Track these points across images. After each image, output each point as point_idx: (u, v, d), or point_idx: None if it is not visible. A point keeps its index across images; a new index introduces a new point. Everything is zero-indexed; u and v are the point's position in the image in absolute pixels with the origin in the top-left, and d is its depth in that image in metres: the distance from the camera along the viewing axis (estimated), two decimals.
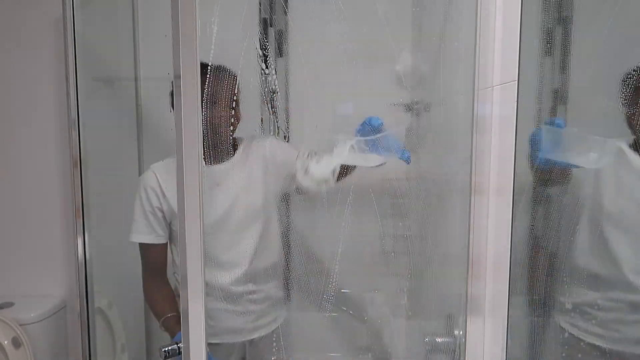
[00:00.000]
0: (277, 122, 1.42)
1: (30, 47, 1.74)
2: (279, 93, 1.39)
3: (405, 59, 1.19)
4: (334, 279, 1.49)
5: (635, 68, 0.84)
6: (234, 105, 1.20)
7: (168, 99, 1.10)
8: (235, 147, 1.32)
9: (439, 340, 1.04)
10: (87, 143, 1.50)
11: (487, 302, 0.92)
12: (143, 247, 1.33)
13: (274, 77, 1.32)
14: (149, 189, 1.29)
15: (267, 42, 1.43)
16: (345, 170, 1.18)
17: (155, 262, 1.34)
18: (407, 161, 1.20)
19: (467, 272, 0.98)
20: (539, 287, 1.01)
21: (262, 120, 1.37)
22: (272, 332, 1.40)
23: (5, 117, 1.77)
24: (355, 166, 1.21)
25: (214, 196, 1.29)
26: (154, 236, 1.31)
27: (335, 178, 1.13)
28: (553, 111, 1.06)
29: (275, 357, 1.36)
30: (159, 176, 1.29)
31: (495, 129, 0.88)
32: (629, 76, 0.84)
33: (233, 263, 1.31)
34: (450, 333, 1.03)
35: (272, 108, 1.36)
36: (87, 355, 1.53)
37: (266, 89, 1.29)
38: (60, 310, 1.76)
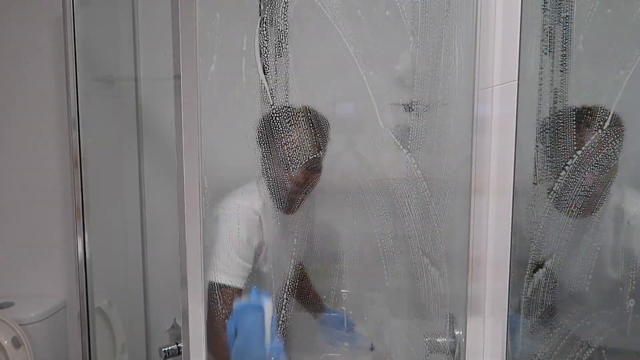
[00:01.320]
0: None
1: (30, 47, 1.74)
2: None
3: (405, 59, 1.19)
4: (334, 280, 1.49)
5: None
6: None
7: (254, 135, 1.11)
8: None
9: (439, 340, 1.04)
10: (87, 143, 1.50)
11: (487, 302, 0.92)
12: None
13: (274, 76, 1.32)
14: None
15: (267, 41, 1.43)
16: None
17: None
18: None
19: (467, 272, 0.98)
20: None
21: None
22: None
23: (6, 116, 1.77)
24: None
25: None
26: None
27: None
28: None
29: None
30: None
31: (495, 129, 0.88)
32: None
33: None
34: (450, 333, 1.03)
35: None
36: (87, 355, 1.53)
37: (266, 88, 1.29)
38: (60, 310, 1.76)
